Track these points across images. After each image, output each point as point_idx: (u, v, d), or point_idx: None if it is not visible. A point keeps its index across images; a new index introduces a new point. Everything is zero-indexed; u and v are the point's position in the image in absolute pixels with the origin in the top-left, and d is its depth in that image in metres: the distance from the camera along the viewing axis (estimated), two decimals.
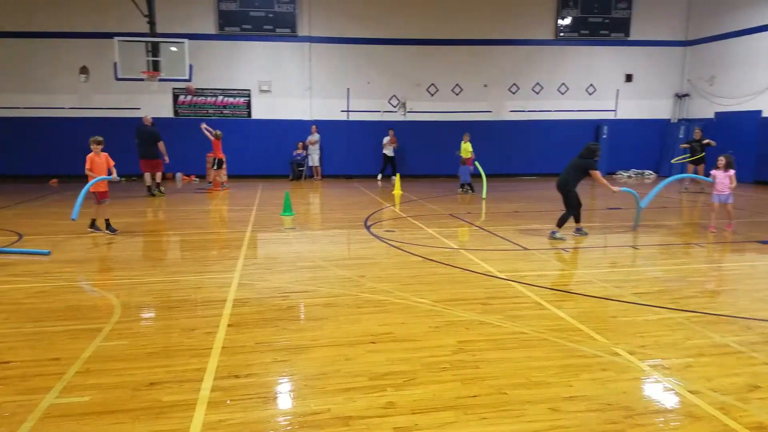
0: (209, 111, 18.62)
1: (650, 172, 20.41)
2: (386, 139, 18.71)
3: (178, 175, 17.77)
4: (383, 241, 8.37)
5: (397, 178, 15.69)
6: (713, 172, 9.11)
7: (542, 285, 6.02)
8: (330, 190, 16.20)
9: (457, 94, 19.72)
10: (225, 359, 3.97)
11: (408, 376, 3.72)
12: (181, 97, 18.39)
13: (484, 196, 13.62)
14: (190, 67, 14.85)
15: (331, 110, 19.26)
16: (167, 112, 18.35)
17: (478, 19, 19.29)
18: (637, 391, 3.49)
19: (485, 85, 19.67)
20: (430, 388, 3.55)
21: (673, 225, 10.10)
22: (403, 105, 19.62)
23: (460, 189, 14.99)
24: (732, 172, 8.86)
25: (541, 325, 4.70)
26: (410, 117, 19.66)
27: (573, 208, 8.73)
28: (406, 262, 7.11)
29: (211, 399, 3.37)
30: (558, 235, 8.54)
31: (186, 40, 14.83)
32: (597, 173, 8.56)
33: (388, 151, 18.79)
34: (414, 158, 19.47)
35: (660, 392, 3.48)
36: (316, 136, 18.73)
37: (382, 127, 19.06)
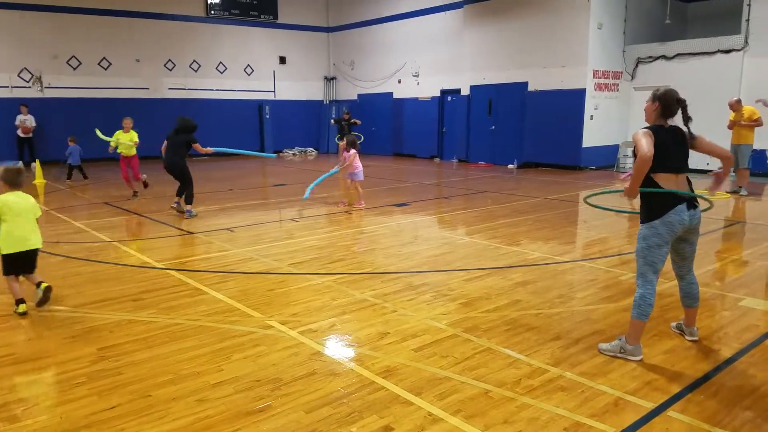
0: None
1: (312, 149, 21.98)
2: (19, 118, 15.70)
3: None
4: None
5: (37, 165, 13.31)
6: (345, 153, 9.57)
7: (203, 269, 5.80)
8: None
9: (105, 69, 17.74)
10: None
11: (29, 403, 3.09)
12: None
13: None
14: None
15: None
16: None
17: None
18: (287, 361, 3.57)
19: (137, 60, 18.17)
20: (58, 411, 3.01)
21: (330, 197, 10.97)
22: (39, 79, 16.72)
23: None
24: (353, 152, 9.42)
25: (197, 312, 4.49)
26: (49, 93, 16.90)
27: (190, 183, 8.75)
28: (42, 265, 5.89)
29: None
30: (193, 213, 8.64)
31: None
32: (198, 145, 8.69)
33: (27, 133, 15.83)
34: (58, 141, 16.80)
35: (306, 357, 3.64)
36: None
37: (13, 105, 15.93)
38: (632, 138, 3.47)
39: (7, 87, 16.36)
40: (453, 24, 17.52)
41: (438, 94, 18.52)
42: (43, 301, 4.60)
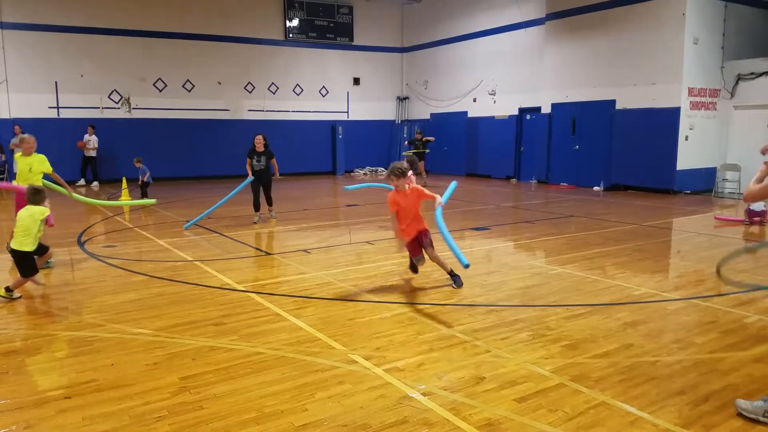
0: None
1: (383, 169, 21.89)
2: (86, 138, 16.54)
3: None
4: (99, 260, 7.10)
5: (123, 183, 13.91)
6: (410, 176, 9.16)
7: (282, 293, 5.65)
8: None
9: (189, 91, 18.45)
10: None
11: None
12: None
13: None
14: None
15: (36, 107, 16.41)
16: None
17: (203, 14, 18.37)
18: (374, 404, 3.27)
19: (219, 83, 18.81)
20: None
21: None
22: (127, 101, 17.60)
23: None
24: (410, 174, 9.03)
25: (278, 340, 4.29)
26: (137, 114, 17.75)
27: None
28: (126, 283, 6.07)
29: None
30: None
31: None
32: None
33: (89, 152, 16.65)
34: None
35: (395, 401, 3.31)
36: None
37: (103, 125, 16.87)
38: None
39: (98, 108, 17.31)
40: (532, 40, 17.01)
41: (516, 112, 17.98)
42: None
